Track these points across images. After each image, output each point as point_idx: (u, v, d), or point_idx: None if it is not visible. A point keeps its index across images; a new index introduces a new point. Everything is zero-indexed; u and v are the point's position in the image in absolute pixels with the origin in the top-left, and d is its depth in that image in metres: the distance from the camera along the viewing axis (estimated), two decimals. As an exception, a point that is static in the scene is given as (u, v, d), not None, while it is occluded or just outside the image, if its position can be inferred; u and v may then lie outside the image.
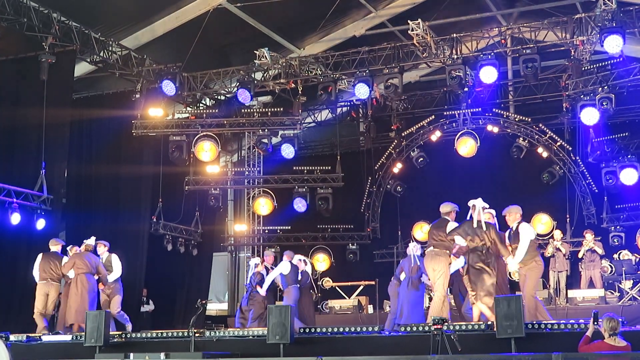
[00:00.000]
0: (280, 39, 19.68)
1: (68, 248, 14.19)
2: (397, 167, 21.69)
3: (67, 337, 12.62)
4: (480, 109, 20.27)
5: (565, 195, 19.96)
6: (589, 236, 17.57)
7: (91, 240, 14.03)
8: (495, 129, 20.25)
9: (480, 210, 11.09)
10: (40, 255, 13.92)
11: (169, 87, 18.25)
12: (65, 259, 13.89)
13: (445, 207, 11.86)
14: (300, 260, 15.07)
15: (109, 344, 11.61)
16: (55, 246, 14.10)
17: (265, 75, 19.02)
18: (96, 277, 13.77)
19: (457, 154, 19.95)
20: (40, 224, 15.89)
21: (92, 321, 11.62)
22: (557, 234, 17.90)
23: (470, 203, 11.27)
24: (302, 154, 21.79)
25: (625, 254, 17.56)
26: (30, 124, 16.55)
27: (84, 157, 18.66)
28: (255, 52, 18.03)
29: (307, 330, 11.45)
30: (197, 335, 11.33)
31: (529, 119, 20.24)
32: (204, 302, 13.66)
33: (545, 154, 20.15)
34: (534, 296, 11.24)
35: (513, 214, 11.36)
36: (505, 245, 11.05)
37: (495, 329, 9.79)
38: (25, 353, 11.95)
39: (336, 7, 18.07)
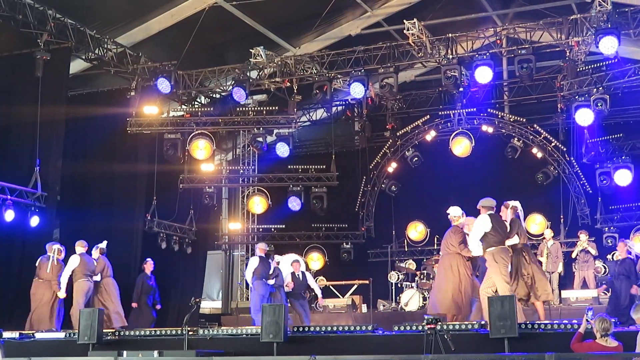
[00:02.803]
0: (275, 38, 19.66)
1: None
2: (392, 167, 21.71)
3: (61, 335, 12.63)
4: (475, 109, 20.29)
5: (560, 196, 20.00)
6: (582, 237, 17.61)
7: (103, 244, 14.49)
8: (490, 129, 20.28)
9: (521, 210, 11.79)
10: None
11: (164, 85, 18.24)
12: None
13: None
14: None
15: (102, 341, 11.63)
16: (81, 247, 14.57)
17: (260, 73, 19.01)
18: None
19: (451, 153, 19.99)
20: (34, 221, 15.85)
21: (86, 319, 11.63)
22: (548, 232, 17.94)
23: (512, 204, 11.78)
24: (297, 152, 21.82)
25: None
26: (24, 121, 16.49)
27: (78, 155, 18.58)
28: (251, 50, 18.03)
29: (301, 328, 11.47)
30: (190, 333, 11.36)
31: (524, 120, 20.28)
32: (197, 300, 13.67)
33: (539, 155, 20.18)
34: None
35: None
36: None
37: (488, 329, 9.82)
38: (18, 350, 11.95)
39: (332, 6, 18.06)
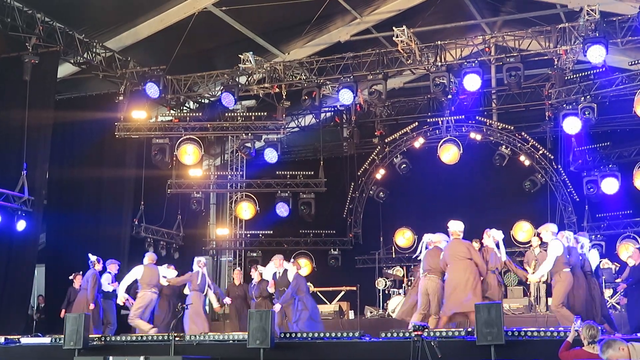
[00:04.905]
0: (265, 44, 19.67)
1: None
2: (380, 173, 21.71)
3: (47, 340, 12.55)
4: (463, 117, 20.33)
5: (547, 204, 20.02)
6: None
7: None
8: (478, 137, 20.32)
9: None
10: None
11: (152, 89, 18.18)
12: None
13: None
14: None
15: (88, 346, 11.56)
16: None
17: (249, 79, 19.01)
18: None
19: (439, 161, 19.98)
20: (21, 225, 15.78)
21: (72, 324, 11.56)
22: (535, 240, 17.93)
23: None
24: (285, 158, 21.78)
25: (605, 263, 17.57)
26: (12, 125, 16.44)
27: (66, 159, 18.55)
28: (240, 56, 18.02)
29: (288, 335, 11.45)
30: (177, 338, 11.32)
31: (512, 127, 20.33)
32: (184, 305, 13.63)
33: (527, 162, 20.23)
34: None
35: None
36: None
37: (475, 336, 9.83)
38: (3, 355, 11.89)
39: (321, 13, 18.08)
